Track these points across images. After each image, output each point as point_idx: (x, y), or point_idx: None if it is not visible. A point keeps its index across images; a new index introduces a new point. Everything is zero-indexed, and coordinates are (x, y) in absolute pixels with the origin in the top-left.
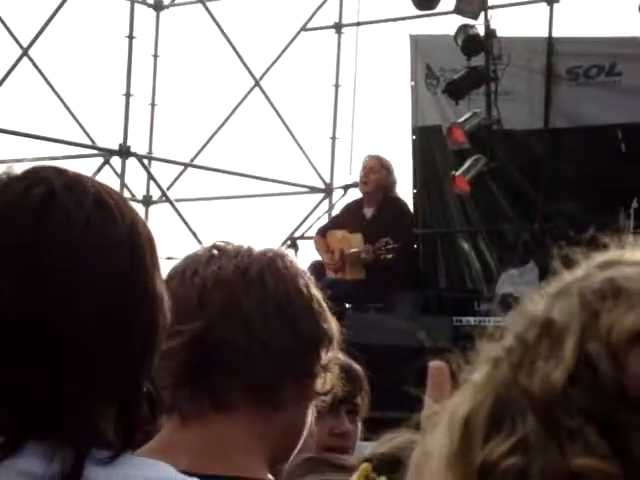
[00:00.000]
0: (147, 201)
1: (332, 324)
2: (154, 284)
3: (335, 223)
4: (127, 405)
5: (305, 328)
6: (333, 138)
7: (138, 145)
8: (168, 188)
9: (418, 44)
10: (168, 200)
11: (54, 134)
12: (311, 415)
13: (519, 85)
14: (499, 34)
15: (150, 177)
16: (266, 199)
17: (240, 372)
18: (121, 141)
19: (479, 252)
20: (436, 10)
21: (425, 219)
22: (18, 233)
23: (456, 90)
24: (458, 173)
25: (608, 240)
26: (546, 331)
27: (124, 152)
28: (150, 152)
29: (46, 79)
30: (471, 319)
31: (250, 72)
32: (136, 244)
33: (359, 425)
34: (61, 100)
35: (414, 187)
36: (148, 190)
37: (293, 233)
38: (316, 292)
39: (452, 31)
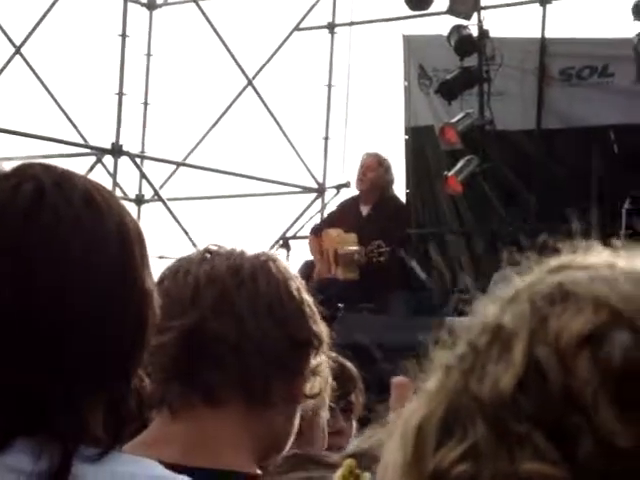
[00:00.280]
0: (139, 200)
1: (322, 328)
2: (143, 280)
3: (330, 221)
4: (115, 401)
5: (295, 329)
6: (326, 138)
7: (130, 144)
8: (160, 187)
9: (411, 44)
10: (160, 199)
11: (47, 132)
12: (298, 417)
13: (512, 86)
14: (492, 35)
15: (142, 176)
16: (259, 199)
17: (230, 368)
18: (114, 140)
19: (472, 252)
20: (429, 10)
21: (418, 219)
22: (7, 232)
23: (449, 90)
24: (451, 173)
25: (560, 244)
26: (496, 337)
27: (116, 151)
28: (142, 151)
29: (39, 77)
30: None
31: (243, 71)
32: (125, 240)
33: (354, 423)
34: (54, 99)
35: (407, 187)
36: (140, 189)
37: (285, 233)
38: (307, 296)
39: (445, 31)
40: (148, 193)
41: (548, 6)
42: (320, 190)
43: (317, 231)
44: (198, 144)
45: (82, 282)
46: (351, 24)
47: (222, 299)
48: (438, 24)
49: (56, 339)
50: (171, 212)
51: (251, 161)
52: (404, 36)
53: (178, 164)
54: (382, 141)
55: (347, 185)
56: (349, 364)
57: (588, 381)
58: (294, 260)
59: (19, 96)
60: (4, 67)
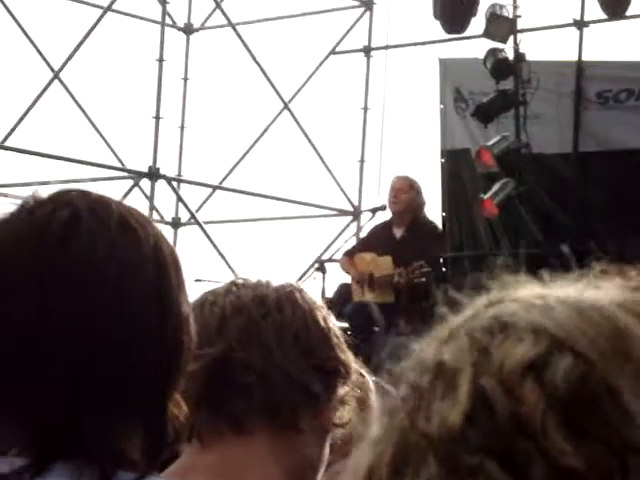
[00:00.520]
0: (176, 223)
1: (349, 357)
2: (179, 304)
3: (363, 245)
4: (152, 426)
5: (322, 359)
6: (361, 161)
7: (167, 167)
8: (197, 210)
9: (447, 67)
10: (197, 222)
11: (84, 156)
12: (327, 447)
13: (548, 109)
14: (528, 58)
15: (179, 199)
16: (294, 222)
17: (257, 397)
18: (150, 163)
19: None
20: (465, 34)
21: (454, 242)
22: (42, 257)
23: (485, 113)
24: (486, 196)
25: (492, 283)
26: (439, 375)
27: (153, 174)
28: (179, 174)
29: (77, 102)
30: None
31: (279, 95)
32: (161, 265)
33: None
34: (91, 123)
35: (443, 210)
36: (177, 212)
37: (321, 256)
38: (334, 324)
39: (481, 55)
40: (184, 216)
41: (585, 29)
42: (356, 213)
43: (350, 254)
44: (234, 167)
45: (115, 307)
46: (387, 47)
47: (248, 329)
48: (474, 47)
49: (89, 363)
50: (207, 235)
51: (287, 184)
52: (440, 59)
53: (214, 187)
54: (418, 164)
55: (383, 208)
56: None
57: (535, 406)
58: (330, 283)
59: (57, 120)
60: (43, 92)
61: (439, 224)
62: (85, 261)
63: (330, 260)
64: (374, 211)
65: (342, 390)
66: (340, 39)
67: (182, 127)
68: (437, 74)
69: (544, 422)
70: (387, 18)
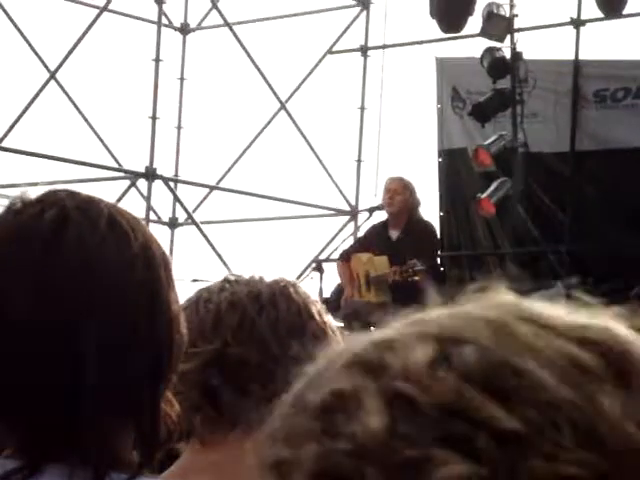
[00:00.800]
0: (173, 223)
1: None
2: (170, 303)
3: (359, 246)
4: (144, 425)
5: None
6: (359, 161)
7: (164, 168)
8: (194, 210)
9: (444, 67)
10: (194, 222)
11: (81, 157)
12: None
13: (545, 108)
14: (525, 57)
15: (176, 199)
16: (292, 221)
17: (255, 391)
18: (147, 164)
19: (506, 275)
20: (462, 33)
21: (452, 242)
22: (31, 256)
23: (482, 113)
24: (484, 196)
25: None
26: (338, 403)
27: (150, 175)
28: (176, 175)
29: (73, 102)
30: None
31: (276, 95)
32: (151, 263)
33: None
34: (88, 123)
35: (440, 210)
36: (174, 212)
37: (318, 256)
38: (329, 318)
39: (478, 54)
40: (182, 216)
41: (582, 28)
42: (353, 213)
43: (345, 256)
44: (231, 167)
45: (108, 304)
46: (384, 47)
47: (244, 324)
48: (471, 46)
49: (82, 362)
50: (204, 235)
51: (284, 184)
52: (437, 59)
53: (211, 187)
54: (415, 164)
55: (380, 208)
56: None
57: (457, 387)
58: (327, 283)
59: (54, 121)
60: (39, 92)
61: (436, 223)
62: (75, 259)
63: (327, 260)
64: (371, 211)
65: None
66: (337, 39)
67: (179, 127)
68: (434, 73)
69: (471, 398)
70: (384, 17)
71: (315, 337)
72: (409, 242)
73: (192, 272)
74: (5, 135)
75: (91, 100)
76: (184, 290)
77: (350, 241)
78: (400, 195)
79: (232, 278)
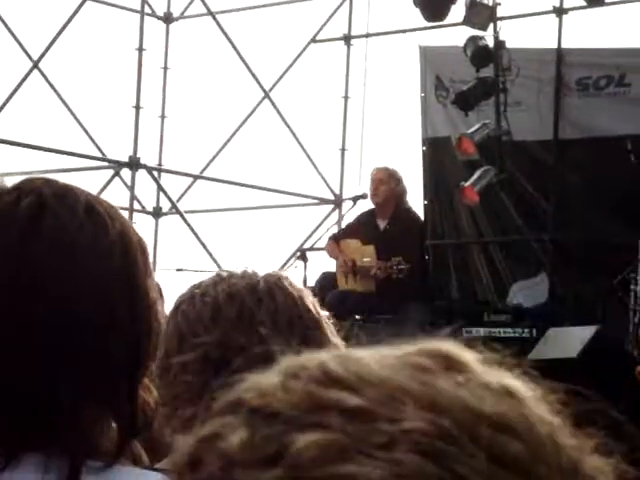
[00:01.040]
0: (157, 213)
1: (340, 342)
2: (147, 290)
3: (348, 232)
4: (122, 412)
5: (316, 343)
6: (342, 150)
7: (148, 157)
8: (178, 200)
9: (427, 55)
10: (178, 212)
11: (64, 146)
12: None
13: (528, 96)
14: (508, 45)
15: (160, 189)
16: (276, 211)
17: None
18: (131, 153)
19: (490, 263)
20: (445, 21)
21: (436, 230)
22: (10, 241)
23: (465, 101)
24: (467, 184)
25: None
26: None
27: (134, 164)
28: (160, 164)
29: (56, 91)
30: (481, 330)
31: (259, 84)
32: (129, 250)
33: None
34: (71, 112)
35: (424, 198)
36: (158, 202)
37: (303, 245)
38: (323, 310)
39: (461, 42)
40: (166, 206)
41: (564, 16)
42: (337, 202)
43: (336, 238)
44: (215, 156)
45: (87, 291)
46: (367, 36)
47: (243, 315)
48: (454, 35)
49: (61, 350)
50: (189, 225)
51: (268, 173)
52: (420, 47)
53: (195, 177)
54: (399, 152)
55: (364, 196)
56: None
57: (307, 389)
58: (312, 272)
59: (37, 110)
60: (22, 81)
61: (420, 212)
62: (53, 246)
63: (312, 249)
64: (355, 199)
65: None
66: (320, 27)
67: (162, 116)
68: (418, 62)
69: (318, 391)
70: (367, 6)
71: (312, 328)
72: (396, 232)
73: (176, 261)
74: None
75: (74, 89)
76: (169, 279)
77: (334, 230)
78: (385, 185)
79: (225, 273)
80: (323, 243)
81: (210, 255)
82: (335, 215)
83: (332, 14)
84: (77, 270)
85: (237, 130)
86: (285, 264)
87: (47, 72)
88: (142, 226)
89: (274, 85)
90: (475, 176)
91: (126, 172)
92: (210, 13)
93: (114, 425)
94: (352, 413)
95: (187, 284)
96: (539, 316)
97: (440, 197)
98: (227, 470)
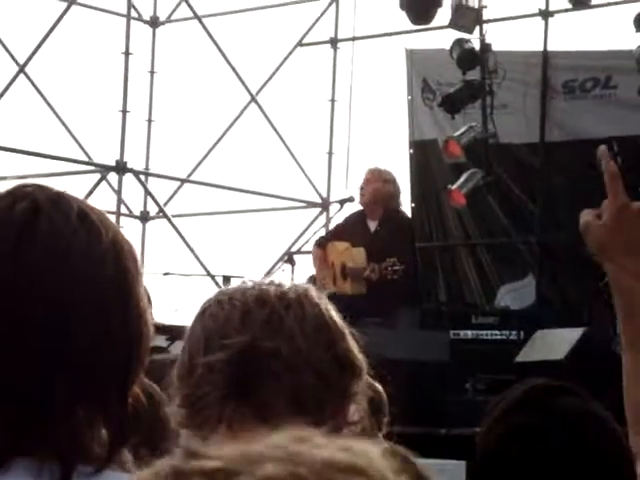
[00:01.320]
0: (144, 217)
1: (361, 355)
2: (138, 297)
3: (336, 234)
4: (112, 418)
5: (341, 353)
6: (329, 153)
7: (135, 161)
8: (165, 204)
9: (414, 58)
10: (165, 216)
11: (51, 151)
12: None
13: (515, 99)
14: (494, 48)
15: (147, 193)
16: (263, 214)
17: (285, 384)
18: (118, 157)
19: (478, 266)
20: (431, 24)
21: (423, 233)
22: (5, 245)
23: (452, 104)
24: (454, 187)
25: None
26: None
27: (121, 168)
28: (147, 168)
29: (43, 96)
30: (468, 332)
31: (246, 87)
32: (120, 257)
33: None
34: (58, 117)
35: (412, 201)
36: (145, 206)
37: (290, 248)
38: (345, 325)
39: (448, 45)
40: (153, 210)
41: (550, 19)
42: (324, 205)
43: (322, 243)
44: (202, 160)
45: (81, 295)
46: (353, 39)
47: (272, 320)
48: (440, 38)
49: (54, 354)
50: (176, 229)
51: (255, 177)
52: (407, 50)
53: (182, 181)
54: (386, 155)
55: (351, 200)
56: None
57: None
58: (299, 275)
59: (23, 115)
60: (8, 86)
61: (408, 215)
62: (48, 249)
63: (299, 252)
64: (342, 202)
65: (356, 387)
66: (306, 31)
67: (149, 120)
68: (404, 65)
69: None
70: (353, 9)
71: (337, 340)
72: (386, 234)
73: (164, 265)
74: None
75: (61, 94)
76: (156, 283)
77: (322, 233)
78: (372, 184)
79: (250, 283)
80: (310, 246)
81: (198, 259)
82: (322, 218)
83: (318, 17)
84: (72, 275)
85: (224, 134)
86: (273, 267)
87: (33, 76)
88: (129, 230)
89: (261, 88)
90: (462, 179)
91: (113, 176)
92: (197, 17)
93: (104, 430)
94: (212, 473)
95: (174, 288)
96: (526, 318)
97: (427, 200)
98: None
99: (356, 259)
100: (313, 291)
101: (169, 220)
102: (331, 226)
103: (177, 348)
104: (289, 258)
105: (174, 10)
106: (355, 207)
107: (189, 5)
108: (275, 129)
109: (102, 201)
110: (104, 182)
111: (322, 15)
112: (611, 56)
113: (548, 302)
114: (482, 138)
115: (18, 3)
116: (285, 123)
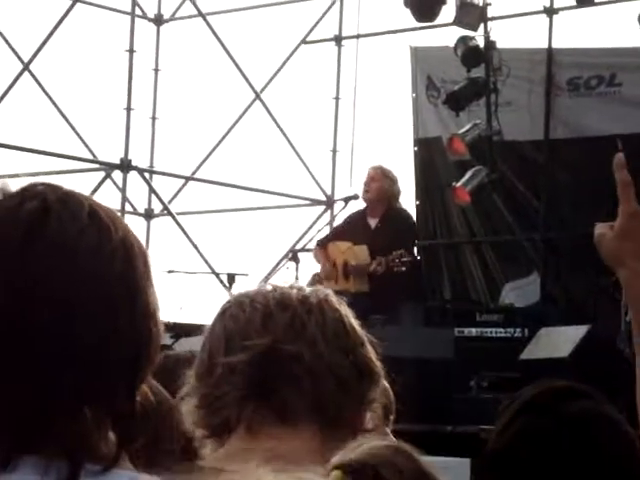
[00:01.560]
0: (149, 214)
1: (378, 362)
2: (148, 296)
3: (337, 234)
4: (119, 417)
5: (359, 359)
6: (334, 150)
7: (139, 159)
8: (169, 201)
9: (418, 56)
10: (170, 213)
11: (56, 148)
12: None
13: (519, 96)
14: (499, 45)
15: (151, 191)
16: (267, 212)
17: (306, 388)
18: (122, 155)
19: (482, 263)
20: (436, 22)
21: (428, 230)
22: (13, 244)
23: (456, 102)
24: (458, 184)
25: None
26: None
27: (125, 166)
28: (151, 166)
29: (47, 94)
30: (473, 330)
31: (251, 85)
32: (130, 257)
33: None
34: (62, 114)
35: (416, 199)
36: (150, 203)
37: (294, 245)
38: (364, 332)
39: (452, 43)
40: (157, 207)
41: (555, 16)
42: (328, 202)
43: (323, 243)
44: (207, 158)
45: (89, 294)
46: (358, 36)
47: (294, 324)
48: (445, 35)
49: (63, 352)
50: (180, 226)
51: (259, 174)
52: (411, 47)
53: (187, 178)
54: (390, 153)
55: (355, 197)
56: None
57: None
58: (303, 273)
59: (28, 112)
60: (12, 84)
61: (412, 212)
62: (56, 248)
63: (303, 250)
64: (347, 200)
65: (373, 394)
66: (311, 28)
67: (153, 118)
68: (408, 62)
69: None
70: (358, 7)
71: (356, 346)
72: (387, 231)
73: (168, 263)
74: None
75: (65, 91)
76: (161, 281)
77: (326, 231)
78: (377, 182)
79: (270, 286)
80: (314, 244)
81: (202, 257)
82: (327, 216)
83: (323, 15)
84: (79, 273)
85: (228, 131)
86: (277, 265)
87: (38, 74)
88: (134, 228)
89: (265, 86)
90: (466, 176)
91: (117, 174)
92: (201, 14)
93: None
94: None
95: (179, 286)
96: (531, 316)
97: (432, 197)
98: None
99: (359, 256)
100: (333, 296)
101: (173, 218)
102: (336, 224)
103: (181, 346)
104: (293, 256)
105: (178, 8)
106: (359, 205)
107: (193, 3)
108: (279, 127)
109: (107, 199)
110: (109, 180)
111: (326, 12)
112: (616, 53)
113: (552, 300)
114: (486, 135)
115: (22, 1)
116: (289, 121)
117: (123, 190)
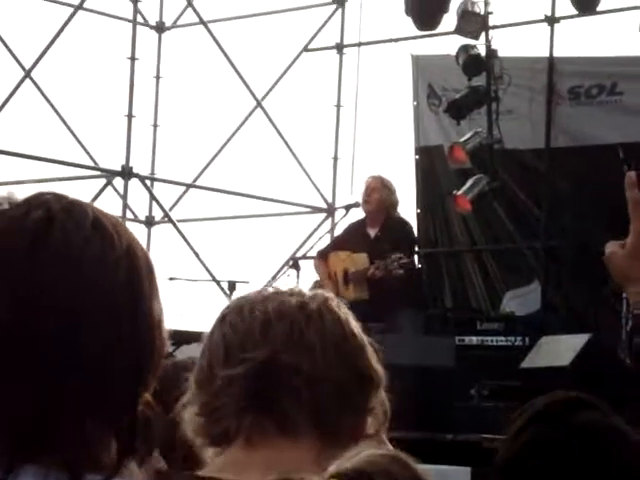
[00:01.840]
0: (149, 222)
1: (380, 368)
2: (152, 306)
3: (337, 244)
4: (121, 427)
5: (359, 366)
6: (335, 158)
7: (140, 166)
8: (170, 209)
9: (420, 64)
10: (170, 221)
11: (57, 156)
12: None
13: (520, 105)
14: (500, 54)
15: (152, 198)
16: (268, 219)
17: (305, 398)
18: (123, 162)
19: (483, 271)
20: (437, 30)
21: (429, 239)
22: (17, 253)
23: (457, 110)
24: (459, 192)
25: None
26: None
27: (126, 173)
28: (152, 173)
29: (48, 101)
30: (474, 338)
31: (252, 93)
32: (134, 267)
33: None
34: (63, 122)
35: (417, 207)
36: (150, 211)
37: (295, 253)
38: (365, 336)
39: (453, 51)
40: (158, 215)
41: (556, 25)
42: (329, 210)
43: (323, 254)
44: (208, 165)
45: (93, 303)
46: (359, 45)
47: (293, 334)
48: (446, 44)
49: (63, 363)
50: (181, 233)
51: (260, 182)
52: (412, 56)
53: (188, 186)
54: (391, 161)
55: (356, 205)
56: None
57: None
58: (304, 281)
59: (29, 120)
60: (14, 91)
61: (412, 220)
62: (60, 257)
63: (304, 257)
64: (348, 208)
65: (374, 400)
66: (312, 36)
67: (155, 125)
68: (410, 71)
69: None
70: (359, 15)
71: (357, 352)
72: (387, 240)
73: (169, 270)
74: None
75: (67, 99)
76: (162, 288)
77: (327, 238)
78: (377, 193)
79: (271, 289)
80: (315, 252)
81: (203, 264)
82: (328, 223)
83: (324, 23)
84: (84, 282)
85: (230, 139)
86: (278, 273)
87: (39, 81)
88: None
89: (267, 94)
90: (467, 184)
91: (119, 181)
92: (202, 22)
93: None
94: None
95: (180, 293)
96: (532, 324)
97: (433, 205)
98: None
99: (358, 263)
100: (333, 300)
101: (174, 225)
102: (336, 232)
103: (182, 353)
104: (294, 263)
105: (180, 15)
106: (358, 214)
107: (195, 10)
108: (280, 134)
109: (108, 206)
110: (110, 187)
111: (328, 21)
112: (617, 62)
113: (553, 308)
114: (487, 144)
115: (24, 8)
116: (291, 128)
117: (124, 197)
